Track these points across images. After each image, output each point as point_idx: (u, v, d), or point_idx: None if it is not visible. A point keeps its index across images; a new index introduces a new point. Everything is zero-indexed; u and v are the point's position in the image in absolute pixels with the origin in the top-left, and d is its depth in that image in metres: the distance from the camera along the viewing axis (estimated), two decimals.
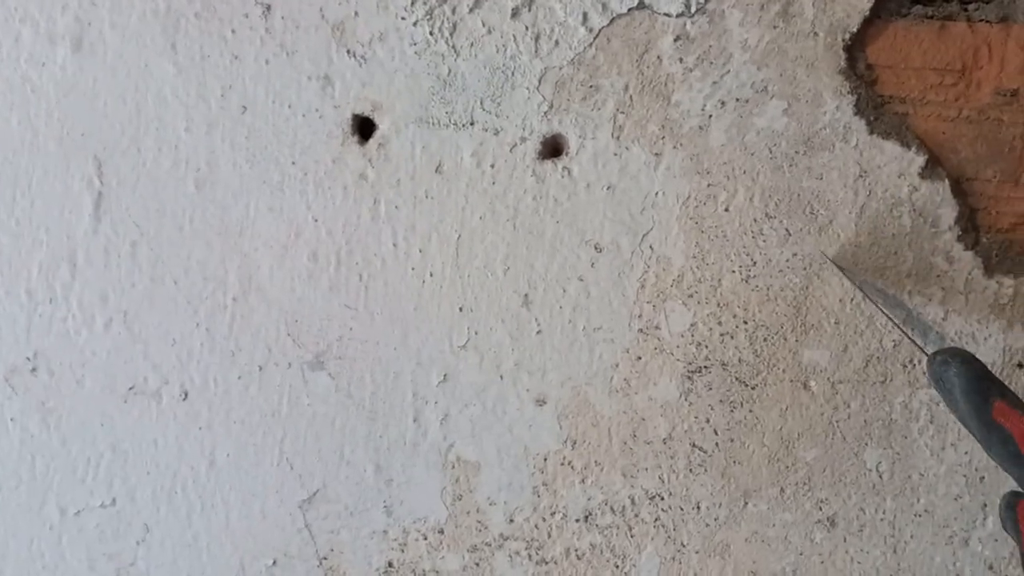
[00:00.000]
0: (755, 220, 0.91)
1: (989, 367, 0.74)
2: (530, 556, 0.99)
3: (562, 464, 0.97)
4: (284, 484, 0.99)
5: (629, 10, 0.88)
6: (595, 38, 0.89)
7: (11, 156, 0.95)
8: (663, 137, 0.90)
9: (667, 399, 0.95)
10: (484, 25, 0.89)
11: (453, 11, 0.89)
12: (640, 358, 0.94)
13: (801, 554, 0.96)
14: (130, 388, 0.98)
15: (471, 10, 0.89)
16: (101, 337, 0.98)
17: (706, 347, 0.94)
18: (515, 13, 0.89)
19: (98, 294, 0.97)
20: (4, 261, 0.97)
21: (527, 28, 0.89)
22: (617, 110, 0.90)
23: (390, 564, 1.00)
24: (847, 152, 0.89)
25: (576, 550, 0.98)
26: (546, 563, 0.99)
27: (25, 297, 0.97)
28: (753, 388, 0.94)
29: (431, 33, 0.90)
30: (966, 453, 0.93)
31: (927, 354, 0.78)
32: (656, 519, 0.97)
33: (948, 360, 0.73)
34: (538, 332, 0.95)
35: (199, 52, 0.93)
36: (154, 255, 0.96)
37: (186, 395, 0.98)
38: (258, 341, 0.97)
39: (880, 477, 0.94)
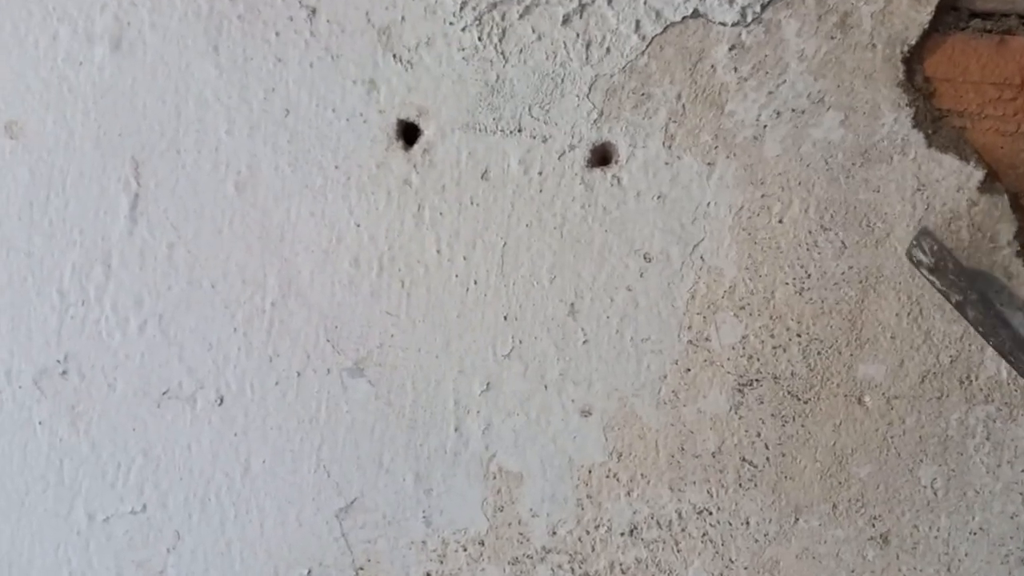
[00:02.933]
0: (810, 232, 1.00)
1: None
2: (573, 570, 1.09)
3: (607, 476, 1.07)
4: (321, 492, 1.09)
5: (683, 18, 0.96)
6: (648, 46, 0.97)
7: (46, 156, 1.05)
8: (716, 147, 0.99)
9: (716, 412, 1.04)
10: (534, 31, 0.98)
11: (503, 17, 0.98)
12: (689, 370, 1.04)
13: (853, 571, 1.05)
14: (164, 392, 1.08)
15: (521, 16, 0.98)
16: (135, 340, 1.07)
17: (758, 360, 1.03)
18: (566, 20, 0.98)
19: (133, 297, 1.07)
20: (36, 262, 1.07)
21: (578, 35, 0.98)
22: (669, 119, 0.99)
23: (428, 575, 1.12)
24: (905, 165, 0.97)
25: (621, 564, 1.08)
26: None
27: (57, 298, 1.07)
28: (806, 402, 1.03)
29: (480, 39, 0.99)
30: (1022, 471, 1.02)
31: None
32: (704, 534, 1.07)
33: None
34: (584, 342, 1.04)
35: (242, 54, 1.02)
36: (191, 258, 1.06)
37: (222, 400, 1.08)
38: (297, 347, 1.07)
39: (935, 494, 1.03)
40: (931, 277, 0.96)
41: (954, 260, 0.94)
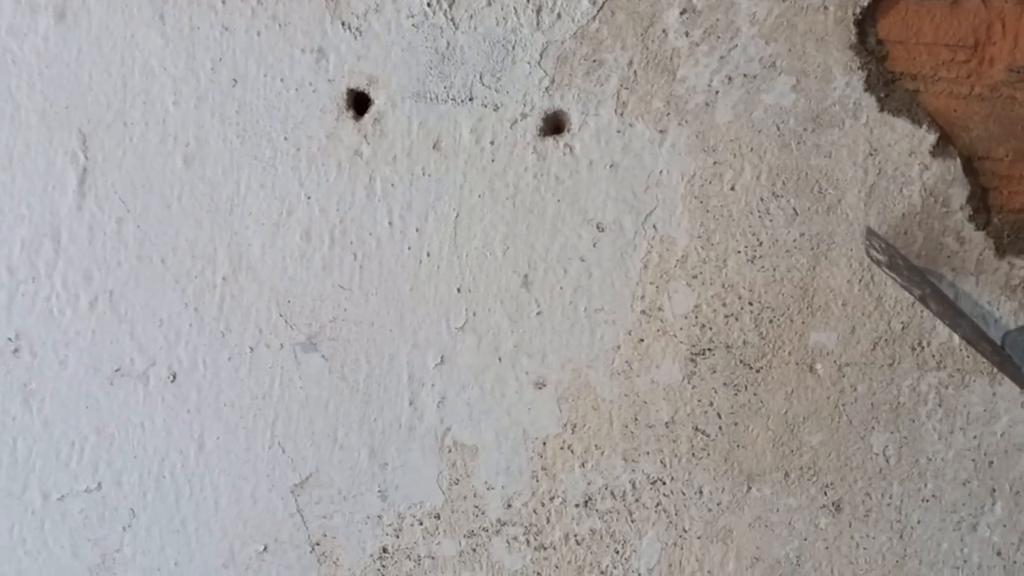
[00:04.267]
0: (762, 199, 0.95)
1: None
2: (528, 541, 1.03)
3: (562, 448, 1.01)
4: (275, 468, 1.03)
5: None
6: (599, 11, 0.92)
7: None
8: (668, 113, 0.94)
9: (670, 382, 0.99)
10: None
11: None
12: (642, 340, 0.99)
13: (805, 539, 1.01)
14: (116, 370, 1.02)
15: None
16: (86, 317, 1.01)
17: (710, 329, 0.98)
18: None
19: (82, 273, 1.00)
20: None
21: (528, 0, 0.92)
22: (621, 86, 0.94)
23: (384, 550, 1.05)
24: (857, 129, 0.93)
25: (575, 535, 1.03)
26: (545, 549, 1.03)
27: (7, 275, 1.00)
28: (758, 371, 0.98)
29: (429, 4, 0.93)
30: (975, 437, 0.97)
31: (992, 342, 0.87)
32: (657, 504, 1.02)
33: None
34: (538, 313, 0.99)
35: (188, 23, 0.95)
36: (141, 233, 0.99)
37: (174, 377, 1.02)
38: (249, 322, 1.01)
39: (887, 461, 0.99)
40: (891, 274, 0.92)
41: (902, 257, 0.91)
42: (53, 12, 0.97)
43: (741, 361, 0.98)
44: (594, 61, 0.94)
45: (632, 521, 1.02)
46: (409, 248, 0.99)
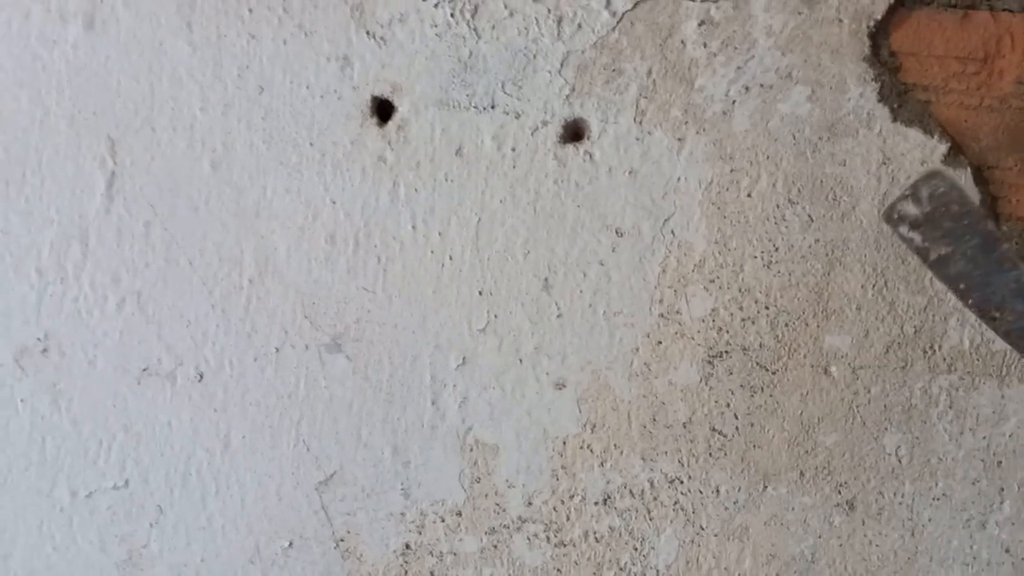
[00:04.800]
0: (778, 206, 0.98)
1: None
2: (548, 539, 1.07)
3: (581, 447, 1.05)
4: (300, 466, 1.07)
5: None
6: (618, 22, 0.95)
7: (21, 134, 1.01)
8: (686, 122, 0.97)
9: (687, 383, 1.02)
10: (506, 7, 0.95)
11: None
12: (660, 342, 1.02)
13: (820, 537, 1.04)
14: (143, 369, 1.05)
15: None
16: (113, 318, 1.04)
17: (727, 332, 1.01)
18: None
19: (110, 274, 1.03)
20: (13, 240, 1.03)
21: (550, 11, 0.95)
22: (640, 94, 0.97)
23: (407, 546, 1.08)
24: (870, 139, 0.96)
25: (595, 533, 1.06)
26: (564, 546, 1.07)
27: (36, 277, 1.03)
28: (774, 373, 1.01)
29: (452, 15, 0.96)
30: (984, 438, 1.01)
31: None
32: (675, 502, 1.05)
33: None
34: (558, 316, 1.02)
35: (215, 31, 0.98)
36: (168, 235, 1.02)
37: (201, 376, 1.05)
38: (274, 323, 1.04)
39: (899, 461, 1.02)
40: (916, 232, 0.83)
41: (961, 199, 0.81)
42: (82, 20, 0.99)
43: (757, 363, 1.02)
44: (614, 71, 0.97)
45: (650, 519, 1.06)
46: (432, 252, 1.02)
